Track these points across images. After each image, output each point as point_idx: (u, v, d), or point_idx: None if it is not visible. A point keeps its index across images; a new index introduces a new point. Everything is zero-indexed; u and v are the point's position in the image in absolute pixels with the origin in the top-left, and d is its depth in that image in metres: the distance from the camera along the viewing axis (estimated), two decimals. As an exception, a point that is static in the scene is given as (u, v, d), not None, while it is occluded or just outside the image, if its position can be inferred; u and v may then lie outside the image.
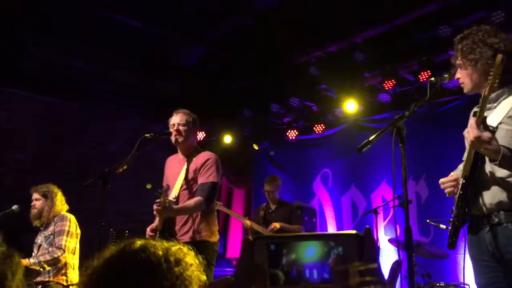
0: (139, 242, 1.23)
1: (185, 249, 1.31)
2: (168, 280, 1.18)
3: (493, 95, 2.46)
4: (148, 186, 3.47)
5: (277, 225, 5.97)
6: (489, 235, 2.43)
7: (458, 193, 2.48)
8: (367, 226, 1.00)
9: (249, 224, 6.13)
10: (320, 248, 1.01)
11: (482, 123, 2.28)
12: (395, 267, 1.03)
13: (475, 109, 2.52)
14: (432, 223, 4.67)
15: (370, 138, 2.49)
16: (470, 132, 2.28)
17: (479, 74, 2.48)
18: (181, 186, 3.71)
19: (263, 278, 1.05)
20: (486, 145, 2.25)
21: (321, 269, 1.02)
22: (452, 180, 2.57)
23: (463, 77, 2.57)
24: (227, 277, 1.21)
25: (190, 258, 1.29)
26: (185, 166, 3.75)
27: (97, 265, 1.21)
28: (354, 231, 1.01)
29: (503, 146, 2.28)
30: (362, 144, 2.50)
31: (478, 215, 2.48)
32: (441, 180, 2.62)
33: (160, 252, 1.22)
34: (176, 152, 3.94)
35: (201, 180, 3.67)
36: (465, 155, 2.72)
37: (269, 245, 1.06)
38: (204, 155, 3.77)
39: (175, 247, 1.28)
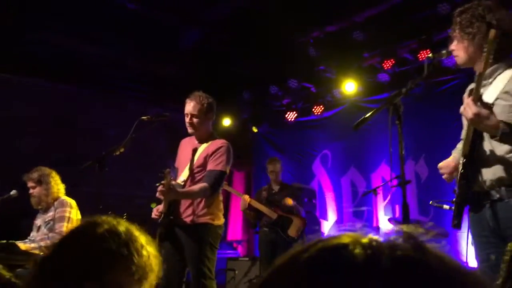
0: (89, 220, 1.33)
1: (124, 222, 1.34)
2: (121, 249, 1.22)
3: (487, 70, 2.44)
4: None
5: (290, 201, 5.97)
6: (490, 211, 2.43)
7: (459, 171, 2.48)
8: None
9: (248, 200, 6.09)
10: None
11: (479, 99, 2.27)
12: None
13: (471, 86, 2.50)
14: (435, 205, 4.67)
15: (366, 116, 2.47)
16: (468, 110, 2.27)
17: (475, 48, 2.46)
18: (191, 171, 3.69)
19: None
20: (486, 121, 2.24)
21: None
22: (446, 166, 2.58)
23: (458, 49, 2.55)
24: None
25: (137, 232, 1.32)
26: (198, 152, 3.72)
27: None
28: None
29: (502, 121, 2.28)
30: (358, 121, 2.48)
31: (479, 192, 2.48)
32: (439, 165, 2.64)
33: (106, 225, 1.28)
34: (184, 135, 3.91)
35: (210, 166, 3.65)
36: (463, 133, 2.71)
37: None
38: (217, 143, 3.73)
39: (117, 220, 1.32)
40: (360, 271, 0.49)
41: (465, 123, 2.53)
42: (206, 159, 3.67)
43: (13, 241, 4.09)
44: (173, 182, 3.55)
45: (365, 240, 0.52)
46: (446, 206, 4.51)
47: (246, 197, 6.14)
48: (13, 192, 4.55)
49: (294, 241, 6.04)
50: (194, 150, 3.69)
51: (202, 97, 3.75)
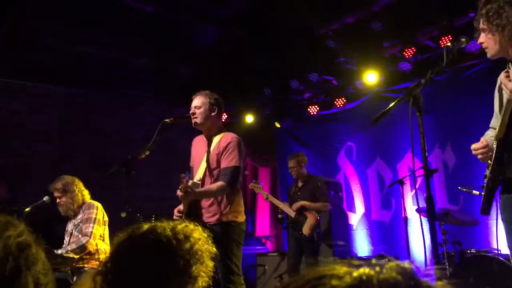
0: (146, 226, 1.29)
1: (191, 226, 1.36)
2: (180, 256, 1.23)
3: None
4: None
5: (299, 204, 5.96)
6: None
7: (493, 155, 2.41)
8: None
9: (266, 196, 6.18)
10: None
11: None
12: None
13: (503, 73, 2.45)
14: (464, 189, 4.60)
15: (385, 109, 2.44)
16: (510, 82, 2.20)
17: (506, 40, 2.38)
18: (205, 169, 3.74)
19: None
20: None
21: None
22: (482, 146, 2.50)
23: (487, 42, 2.47)
24: None
25: (198, 234, 1.34)
26: (208, 149, 3.77)
27: (111, 252, 1.27)
28: None
29: None
30: (377, 115, 2.45)
31: (511, 178, 2.41)
32: (473, 146, 2.55)
33: (169, 231, 1.26)
34: (201, 133, 3.96)
35: (223, 164, 3.68)
36: (493, 121, 2.66)
37: None
38: (226, 138, 3.76)
39: (181, 225, 1.32)
40: None
41: (496, 108, 2.46)
42: (218, 156, 3.72)
43: (49, 246, 4.21)
44: (190, 181, 3.61)
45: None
46: (475, 192, 4.44)
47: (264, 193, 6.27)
48: (46, 198, 4.68)
49: (311, 239, 5.86)
50: (209, 142, 3.77)
51: (209, 94, 3.85)
